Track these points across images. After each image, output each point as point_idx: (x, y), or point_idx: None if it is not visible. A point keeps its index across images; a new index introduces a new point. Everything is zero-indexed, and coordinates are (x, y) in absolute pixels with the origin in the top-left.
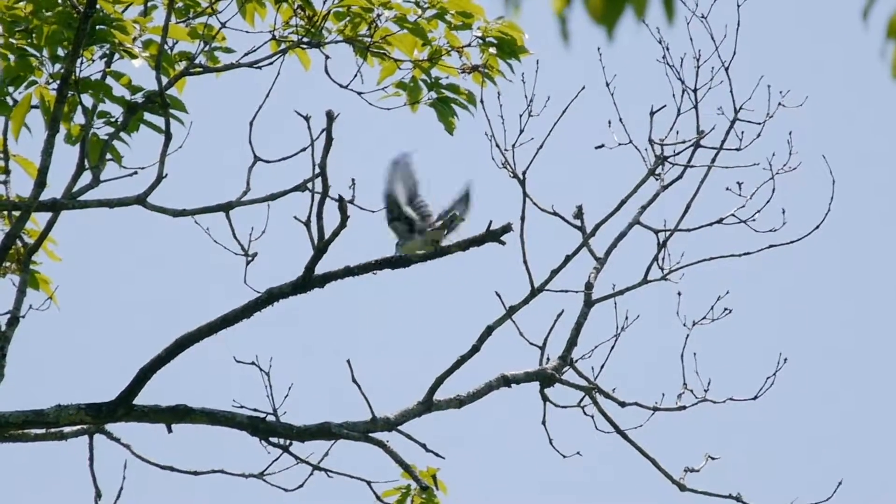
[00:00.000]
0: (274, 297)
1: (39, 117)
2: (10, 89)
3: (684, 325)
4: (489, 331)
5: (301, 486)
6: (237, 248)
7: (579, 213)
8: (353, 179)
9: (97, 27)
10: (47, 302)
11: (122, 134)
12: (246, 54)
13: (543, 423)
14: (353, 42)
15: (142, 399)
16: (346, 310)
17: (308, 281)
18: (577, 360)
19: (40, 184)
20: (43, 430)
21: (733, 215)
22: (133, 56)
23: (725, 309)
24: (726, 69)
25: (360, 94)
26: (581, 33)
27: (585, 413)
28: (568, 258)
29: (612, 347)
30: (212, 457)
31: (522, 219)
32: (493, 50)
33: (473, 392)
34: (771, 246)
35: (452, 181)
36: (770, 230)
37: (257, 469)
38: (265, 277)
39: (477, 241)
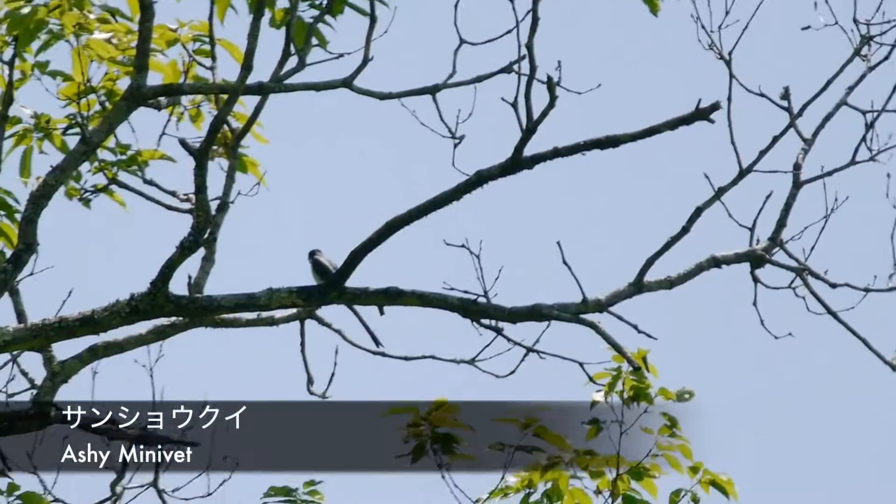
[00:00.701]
0: (483, 178)
1: (243, 1)
2: None
3: (894, 206)
4: (698, 212)
5: (513, 371)
6: (444, 131)
7: (786, 94)
8: (559, 61)
9: None
10: (256, 188)
11: (326, 17)
12: None
13: (755, 304)
14: None
15: (353, 282)
16: (555, 191)
17: (517, 162)
18: (786, 242)
19: (247, 67)
20: (254, 316)
21: None
22: None
23: None
24: None
25: None
26: None
27: (797, 294)
28: (775, 139)
29: (822, 229)
30: (423, 342)
31: (729, 100)
32: None
33: (684, 273)
34: None
35: (659, 63)
36: None
37: (469, 354)
38: (473, 160)
39: (686, 120)
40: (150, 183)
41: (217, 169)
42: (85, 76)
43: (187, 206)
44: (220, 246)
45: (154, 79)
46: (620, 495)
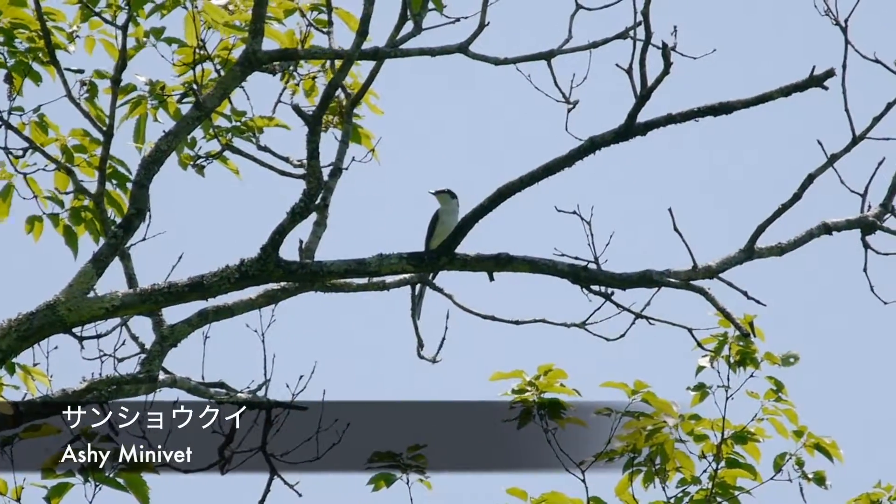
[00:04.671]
0: (596, 145)
1: None
2: None
3: None
4: (810, 178)
5: (623, 335)
6: (559, 96)
7: None
8: (675, 27)
9: None
10: (369, 155)
11: None
12: None
13: (865, 270)
14: None
15: (464, 248)
16: (668, 158)
17: (630, 129)
18: None
19: (362, 33)
20: (365, 280)
21: None
22: None
23: None
24: None
25: None
26: None
27: None
28: (889, 106)
29: None
30: (533, 307)
31: (844, 67)
32: None
33: (794, 240)
34: None
35: (774, 29)
36: None
37: (578, 318)
38: (587, 125)
39: (800, 87)
40: (264, 149)
41: (331, 138)
42: (198, 42)
43: (300, 171)
44: (332, 211)
45: (271, 48)
46: (724, 459)
